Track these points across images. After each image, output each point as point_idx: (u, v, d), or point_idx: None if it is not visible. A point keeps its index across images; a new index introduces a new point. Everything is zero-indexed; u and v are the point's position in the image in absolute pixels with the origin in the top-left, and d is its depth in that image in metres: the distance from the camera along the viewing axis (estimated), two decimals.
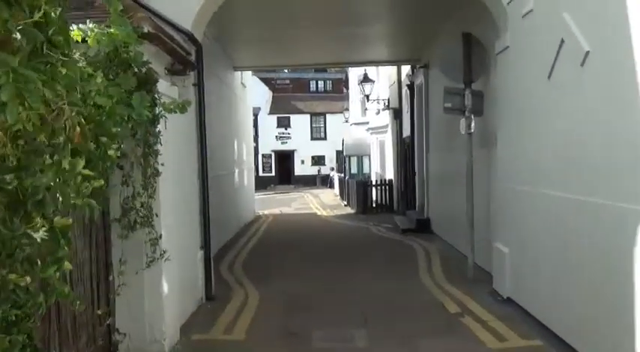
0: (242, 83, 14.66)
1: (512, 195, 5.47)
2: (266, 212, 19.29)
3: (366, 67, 17.38)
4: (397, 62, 13.98)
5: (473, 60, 6.55)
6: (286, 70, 40.94)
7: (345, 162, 21.52)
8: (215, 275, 7.00)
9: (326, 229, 13.59)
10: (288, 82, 39.05)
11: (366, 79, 16.13)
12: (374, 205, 16.80)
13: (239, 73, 14.04)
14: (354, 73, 22.32)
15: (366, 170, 20.59)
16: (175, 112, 3.86)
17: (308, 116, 36.77)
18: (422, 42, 10.99)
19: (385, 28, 10.47)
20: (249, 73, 17.38)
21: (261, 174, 36.03)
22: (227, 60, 12.00)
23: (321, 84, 39.29)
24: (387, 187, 16.42)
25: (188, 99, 3.80)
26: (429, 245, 9.65)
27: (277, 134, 36.31)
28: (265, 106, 36.17)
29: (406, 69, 14.49)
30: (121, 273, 3.91)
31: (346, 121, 24.95)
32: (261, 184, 34.50)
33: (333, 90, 38.85)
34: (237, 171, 12.74)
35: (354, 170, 20.97)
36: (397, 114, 15.90)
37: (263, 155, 36.26)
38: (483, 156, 6.84)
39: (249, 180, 15.55)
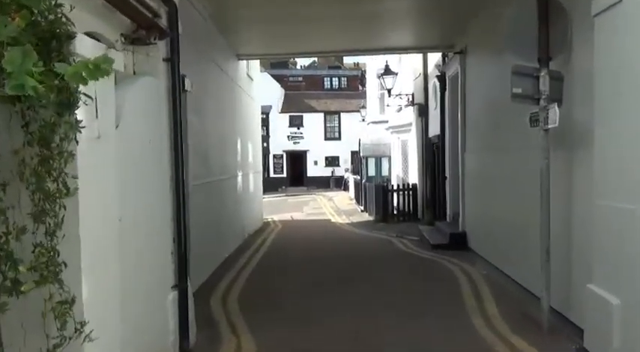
0: (248, 75, 13.01)
1: (628, 220, 3.69)
2: (275, 218, 17.66)
3: (389, 57, 15.63)
4: (425, 49, 12.18)
5: (551, 30, 4.78)
6: (299, 67, 39.32)
7: (361, 164, 19.78)
8: (202, 313, 5.36)
9: (342, 242, 11.85)
10: (300, 79, 37.43)
11: (387, 72, 14.38)
12: (395, 212, 15.05)
13: (244, 63, 12.39)
14: (372, 67, 20.60)
15: (384, 172, 18.83)
16: (85, 80, 2.14)
17: (322, 115, 35.05)
18: (457, 22, 9.21)
19: (413, 3, 8.69)
20: (257, 66, 15.74)
21: (272, 175, 34.48)
22: (228, 46, 10.35)
23: (335, 81, 37.56)
24: (411, 192, 14.64)
25: (110, 57, 2.12)
26: (470, 268, 7.88)
27: (289, 134, 34.67)
28: (277, 104, 34.57)
29: (434, 59, 12.73)
30: None
31: (363, 120, 23.20)
32: (272, 186, 32.93)
33: (349, 87, 37.12)
34: (240, 174, 11.08)
35: (371, 172, 19.22)
36: (422, 110, 14.15)
37: (274, 155, 34.66)
38: (560, 161, 5.07)
39: (255, 184, 13.89)
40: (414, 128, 14.66)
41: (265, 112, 34.07)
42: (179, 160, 4.24)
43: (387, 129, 17.46)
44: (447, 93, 11.16)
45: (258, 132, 15.00)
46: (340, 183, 32.06)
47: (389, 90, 14.48)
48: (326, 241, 11.85)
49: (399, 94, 15.00)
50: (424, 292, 6.72)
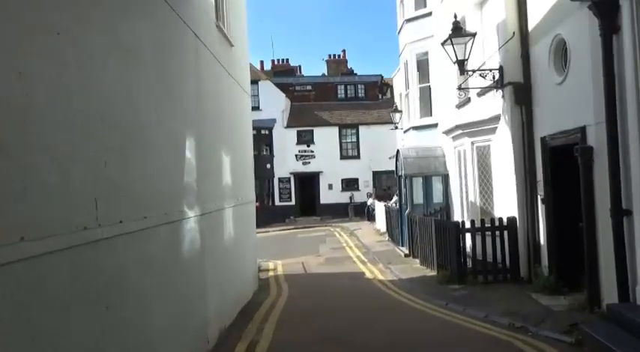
0: (219, 27, 7.31)
1: None
2: (280, 266, 11.88)
3: (455, 8, 9.89)
4: None
5: None
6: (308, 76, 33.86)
7: (403, 186, 13.94)
8: None
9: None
10: (309, 87, 31.82)
11: (457, 31, 8.64)
12: (469, 264, 9.11)
13: (212, 4, 6.73)
14: (409, 52, 14.84)
15: (436, 198, 13.02)
16: None
17: (336, 129, 29.25)
18: None
19: None
20: (243, 23, 10.12)
21: (277, 203, 28.65)
22: None
23: (350, 89, 31.85)
24: (506, 234, 8.70)
25: None
26: None
27: (297, 152, 28.89)
28: (281, 118, 28.95)
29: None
30: None
31: (396, 127, 17.49)
32: (279, 216, 27.10)
33: (367, 96, 31.45)
34: (194, 215, 5.26)
35: (418, 199, 13.38)
36: (522, 93, 8.36)
37: (280, 179, 28.84)
38: None
39: (242, 224, 8.09)
40: (505, 124, 8.82)
41: (268, 127, 28.54)
42: None
43: (445, 132, 11.63)
44: (623, 35, 5.37)
45: (246, 137, 9.25)
46: (361, 212, 26.10)
47: (460, 63, 8.70)
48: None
49: (472, 70, 9.20)
50: None
